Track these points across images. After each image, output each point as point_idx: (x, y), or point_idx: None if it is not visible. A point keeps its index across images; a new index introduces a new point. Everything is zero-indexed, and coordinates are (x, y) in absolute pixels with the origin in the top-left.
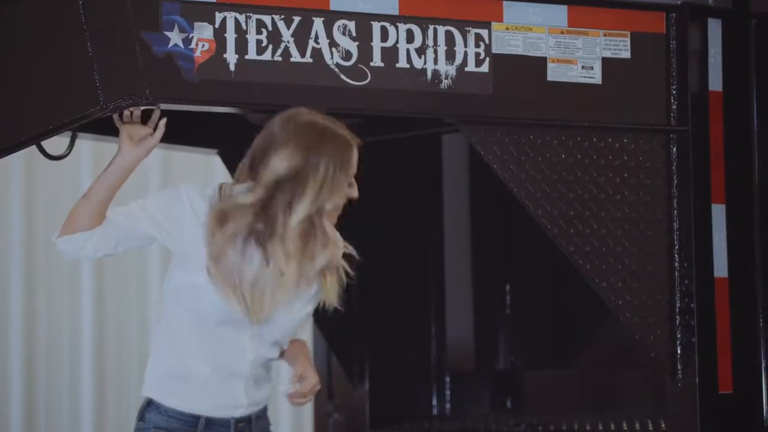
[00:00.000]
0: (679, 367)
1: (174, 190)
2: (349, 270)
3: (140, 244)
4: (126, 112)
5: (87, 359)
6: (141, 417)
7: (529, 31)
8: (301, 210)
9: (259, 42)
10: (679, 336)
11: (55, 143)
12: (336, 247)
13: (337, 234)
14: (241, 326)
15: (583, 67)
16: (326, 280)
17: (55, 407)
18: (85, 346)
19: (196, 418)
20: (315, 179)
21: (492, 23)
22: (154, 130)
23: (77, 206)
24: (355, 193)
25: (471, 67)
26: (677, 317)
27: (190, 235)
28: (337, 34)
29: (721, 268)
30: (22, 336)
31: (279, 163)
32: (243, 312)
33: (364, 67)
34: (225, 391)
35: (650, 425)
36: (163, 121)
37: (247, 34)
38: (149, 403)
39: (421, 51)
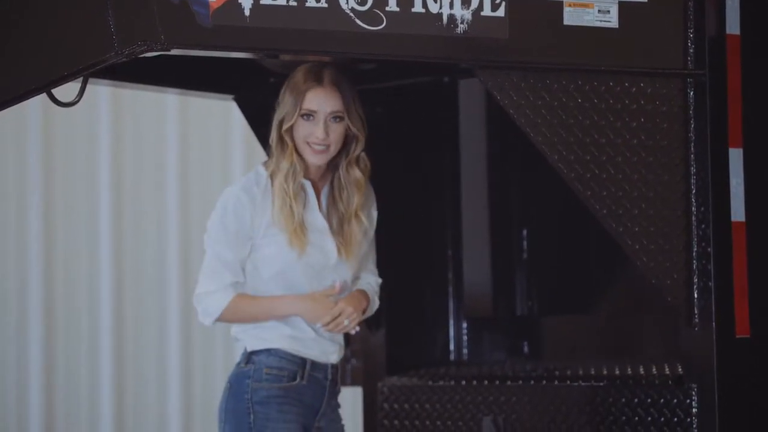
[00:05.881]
0: (695, 312)
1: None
2: None
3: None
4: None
5: (106, 342)
6: (248, 361)
7: None
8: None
9: None
10: (695, 280)
11: (66, 90)
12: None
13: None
14: None
15: (599, 11)
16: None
17: (74, 398)
18: (104, 315)
19: (304, 360)
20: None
21: None
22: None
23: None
24: (318, 131)
25: (487, 11)
26: (694, 262)
27: None
28: None
29: (738, 212)
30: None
31: None
32: None
33: (379, 12)
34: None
35: (667, 370)
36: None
37: None
38: (258, 351)
39: None
